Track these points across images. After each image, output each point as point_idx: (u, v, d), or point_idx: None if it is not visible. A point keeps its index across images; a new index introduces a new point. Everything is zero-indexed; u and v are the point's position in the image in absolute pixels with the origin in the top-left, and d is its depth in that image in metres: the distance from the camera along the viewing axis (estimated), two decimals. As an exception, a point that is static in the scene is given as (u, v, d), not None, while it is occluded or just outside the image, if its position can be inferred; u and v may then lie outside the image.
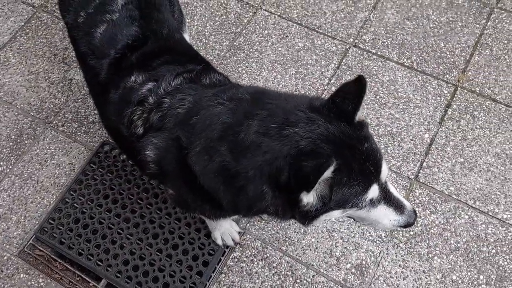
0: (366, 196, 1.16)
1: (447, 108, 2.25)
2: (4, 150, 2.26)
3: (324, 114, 1.14)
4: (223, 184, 1.20)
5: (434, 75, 2.35)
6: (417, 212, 1.36)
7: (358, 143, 1.13)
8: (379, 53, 2.44)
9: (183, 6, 2.62)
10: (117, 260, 1.98)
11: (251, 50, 2.50)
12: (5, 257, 2.01)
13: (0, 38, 2.62)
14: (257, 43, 2.52)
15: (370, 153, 1.15)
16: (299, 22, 2.57)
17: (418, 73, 2.36)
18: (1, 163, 2.23)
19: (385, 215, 1.27)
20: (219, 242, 1.97)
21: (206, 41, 2.54)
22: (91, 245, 2.01)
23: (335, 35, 2.51)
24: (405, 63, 2.39)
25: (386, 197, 1.24)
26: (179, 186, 1.42)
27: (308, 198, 1.12)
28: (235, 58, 2.48)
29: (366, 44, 2.47)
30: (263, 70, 2.43)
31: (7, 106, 2.39)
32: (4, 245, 2.04)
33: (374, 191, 1.18)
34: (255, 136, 1.13)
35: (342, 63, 2.42)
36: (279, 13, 2.61)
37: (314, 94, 2.33)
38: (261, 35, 2.55)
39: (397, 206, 1.27)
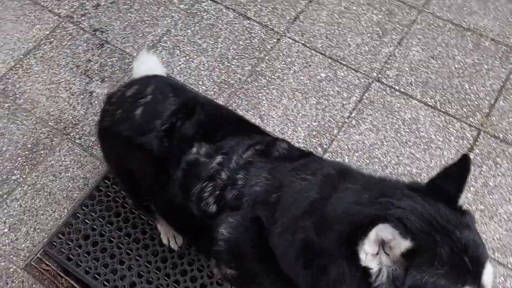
0: None
1: (469, 152, 2.21)
2: (19, 158, 2.25)
3: (423, 193, 1.02)
4: (303, 264, 1.08)
5: (457, 117, 2.32)
6: None
7: (455, 228, 0.96)
8: (402, 90, 2.42)
9: (207, 28, 2.63)
10: (123, 282, 1.94)
11: (272, 76, 2.49)
12: (11, 269, 1.98)
13: (24, 45, 2.63)
14: (279, 70, 2.51)
15: (470, 244, 0.95)
16: (323, 52, 2.56)
17: (441, 113, 2.34)
18: (15, 171, 2.22)
19: None
20: None
21: (228, 64, 2.53)
22: (98, 263, 1.98)
23: (358, 68, 2.50)
24: (428, 102, 2.37)
25: None
26: (249, 268, 1.30)
27: (373, 265, 0.95)
28: (256, 83, 2.47)
29: (390, 80, 2.46)
30: (284, 98, 2.42)
31: (26, 114, 2.39)
32: (12, 256, 2.01)
33: None
34: (346, 206, 1.04)
35: (364, 97, 2.41)
36: (303, 42, 2.60)
37: (334, 126, 2.31)
38: (284, 62, 2.54)
39: None
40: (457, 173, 1.04)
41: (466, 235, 0.96)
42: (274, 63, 2.54)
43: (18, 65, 2.55)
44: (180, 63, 2.53)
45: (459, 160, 1.06)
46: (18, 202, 2.14)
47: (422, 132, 2.28)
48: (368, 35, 2.61)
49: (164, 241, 2.00)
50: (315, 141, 2.28)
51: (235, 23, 2.68)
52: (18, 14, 2.75)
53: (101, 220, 2.08)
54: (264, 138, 1.43)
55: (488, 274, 0.97)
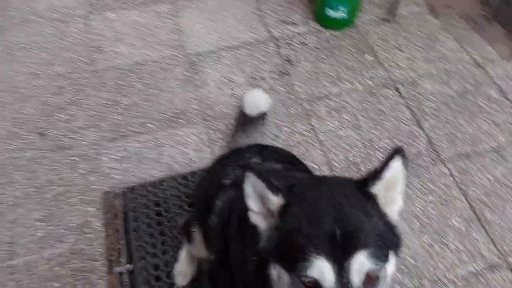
0: (305, 266, 0.90)
1: None
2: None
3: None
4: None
5: None
6: None
7: (343, 205, 0.95)
8: None
9: (375, 111, 2.59)
10: (152, 259, 2.03)
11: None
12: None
13: (231, 40, 3.00)
14: (416, 188, 2.31)
15: (350, 223, 0.92)
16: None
17: None
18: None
19: None
20: None
21: (372, 152, 2.44)
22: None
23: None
24: None
25: None
26: None
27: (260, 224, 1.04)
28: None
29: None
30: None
31: (194, 88, 2.71)
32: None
33: (319, 269, 0.89)
34: None
35: None
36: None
37: None
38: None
39: None
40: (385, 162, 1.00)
41: (352, 214, 0.94)
42: (415, 179, 2.35)
43: (215, 51, 2.92)
44: (330, 125, 2.55)
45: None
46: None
47: None
48: None
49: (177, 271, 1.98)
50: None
51: (405, 123, 2.57)
52: (241, 16, 3.16)
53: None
54: None
55: (357, 262, 0.90)
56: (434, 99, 2.69)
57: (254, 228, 1.07)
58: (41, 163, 2.37)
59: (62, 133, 2.50)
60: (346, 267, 0.90)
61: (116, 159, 2.39)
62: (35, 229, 2.14)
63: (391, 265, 0.99)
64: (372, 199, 1.00)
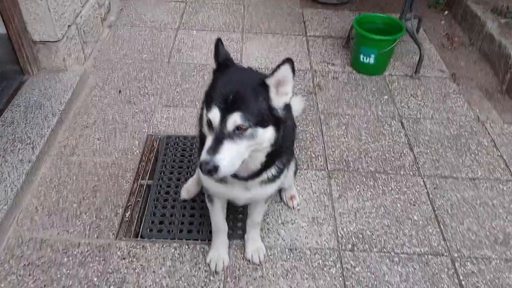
0: (209, 109, 1.49)
1: None
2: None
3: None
4: None
5: None
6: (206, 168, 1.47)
7: (242, 84, 1.52)
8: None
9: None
10: (168, 179, 2.65)
11: None
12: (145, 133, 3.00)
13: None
14: None
15: (238, 93, 1.48)
16: None
17: None
18: (199, 101, 3.28)
19: (206, 143, 1.50)
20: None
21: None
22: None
23: None
24: None
25: (217, 135, 1.47)
26: None
27: None
28: None
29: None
30: None
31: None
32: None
33: (213, 113, 1.48)
34: None
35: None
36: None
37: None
38: None
39: (213, 149, 1.46)
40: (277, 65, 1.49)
41: (243, 91, 1.48)
42: None
43: (263, 68, 3.68)
44: (336, 133, 3.11)
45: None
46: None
47: None
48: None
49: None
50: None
51: (399, 145, 3.05)
52: (293, 52, 3.95)
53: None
54: None
55: (232, 117, 1.45)
56: (431, 135, 3.16)
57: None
58: (113, 108, 3.18)
59: (133, 94, 3.32)
60: (226, 118, 1.47)
61: (164, 117, 3.13)
62: (93, 143, 2.88)
63: (268, 133, 1.55)
64: (265, 88, 1.52)
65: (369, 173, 2.83)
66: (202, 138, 1.79)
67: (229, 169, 1.50)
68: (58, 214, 2.43)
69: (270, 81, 1.53)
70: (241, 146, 1.50)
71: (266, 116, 1.52)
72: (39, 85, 3.07)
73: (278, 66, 1.50)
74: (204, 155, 1.48)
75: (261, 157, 1.66)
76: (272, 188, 1.91)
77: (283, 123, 1.60)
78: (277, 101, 1.55)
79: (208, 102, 1.53)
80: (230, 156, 1.48)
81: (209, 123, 1.52)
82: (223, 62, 1.63)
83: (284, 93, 1.56)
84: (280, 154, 1.74)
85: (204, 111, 1.59)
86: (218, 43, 1.63)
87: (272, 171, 1.81)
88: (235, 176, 1.74)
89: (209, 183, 1.90)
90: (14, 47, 2.97)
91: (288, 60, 1.50)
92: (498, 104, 3.53)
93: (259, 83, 1.53)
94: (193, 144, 2.92)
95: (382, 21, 3.71)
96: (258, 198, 1.99)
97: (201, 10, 4.49)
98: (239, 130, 1.48)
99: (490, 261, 2.37)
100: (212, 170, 1.46)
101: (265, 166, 1.73)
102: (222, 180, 1.82)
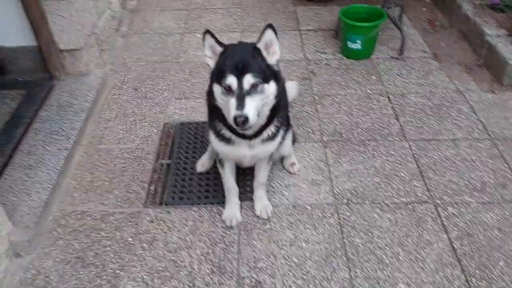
0: (225, 79, 1.92)
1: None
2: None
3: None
4: None
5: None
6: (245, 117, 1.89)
7: (243, 50, 2.01)
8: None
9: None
10: (184, 157, 3.06)
11: None
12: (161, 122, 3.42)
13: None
14: None
15: (244, 60, 1.93)
16: None
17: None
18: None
19: (231, 104, 1.91)
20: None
21: None
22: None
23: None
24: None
25: (239, 95, 1.89)
26: None
27: (208, 60, 2.11)
28: None
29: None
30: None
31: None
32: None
33: (230, 80, 1.91)
34: None
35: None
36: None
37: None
38: None
39: (240, 105, 1.88)
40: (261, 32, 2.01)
41: (247, 57, 1.94)
42: (383, 150, 3.16)
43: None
44: (330, 110, 3.50)
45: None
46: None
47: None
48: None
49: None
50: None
51: (386, 116, 3.42)
52: (288, 45, 4.35)
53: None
54: None
55: (246, 78, 1.90)
56: (415, 106, 3.53)
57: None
58: (131, 103, 3.61)
59: (148, 90, 3.75)
60: (242, 80, 1.92)
61: (177, 108, 3.55)
62: (117, 133, 3.30)
63: (271, 87, 2.02)
64: (258, 51, 2.01)
65: (360, 141, 3.21)
66: (210, 108, 2.22)
67: (254, 118, 1.94)
68: (93, 191, 2.85)
69: (260, 45, 2.02)
70: (257, 99, 1.95)
71: (267, 72, 1.99)
72: (67, 87, 3.51)
73: (262, 32, 1.98)
74: (235, 112, 1.89)
75: (266, 111, 2.11)
76: (271, 146, 2.31)
77: (279, 76, 2.08)
78: (270, 59, 2.05)
79: (222, 74, 1.95)
80: (253, 108, 1.92)
81: (228, 89, 1.95)
82: (225, 45, 2.08)
83: (273, 52, 2.05)
84: (278, 110, 2.18)
85: (214, 84, 2.03)
86: (211, 34, 2.06)
87: (272, 128, 2.22)
88: (243, 136, 2.15)
89: (220, 146, 2.30)
90: (44, 56, 3.41)
91: (269, 26, 1.99)
92: (476, 76, 3.89)
93: (253, 49, 2.00)
94: (204, 128, 3.32)
95: (365, 11, 4.10)
96: (260, 155, 2.38)
97: (203, 15, 4.93)
98: (253, 88, 1.93)
99: (469, 205, 2.72)
100: (244, 121, 1.88)
101: (268, 122, 2.17)
102: (230, 141, 2.23)
